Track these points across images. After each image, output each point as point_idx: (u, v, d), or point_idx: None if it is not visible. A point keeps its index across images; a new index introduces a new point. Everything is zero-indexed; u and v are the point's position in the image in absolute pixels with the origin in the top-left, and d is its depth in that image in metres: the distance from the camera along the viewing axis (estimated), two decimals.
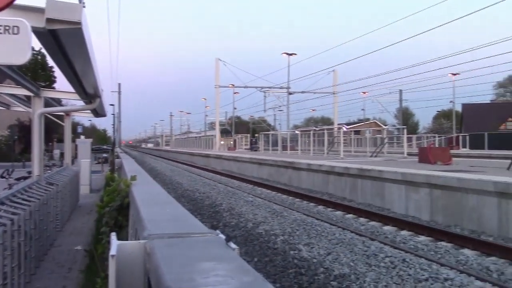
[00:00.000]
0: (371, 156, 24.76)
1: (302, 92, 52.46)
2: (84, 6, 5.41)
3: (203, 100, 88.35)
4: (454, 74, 51.60)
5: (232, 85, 55.52)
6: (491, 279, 6.98)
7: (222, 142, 58.63)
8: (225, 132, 72.68)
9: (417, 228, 10.98)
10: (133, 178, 5.63)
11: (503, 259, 8.34)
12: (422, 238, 10.22)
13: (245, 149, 54.27)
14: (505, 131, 50.06)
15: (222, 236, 1.94)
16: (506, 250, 8.59)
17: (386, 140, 26.41)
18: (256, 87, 51.91)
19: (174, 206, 3.42)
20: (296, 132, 40.75)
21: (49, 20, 5.16)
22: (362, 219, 12.61)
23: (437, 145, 36.81)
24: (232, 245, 1.81)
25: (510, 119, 60.05)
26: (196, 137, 78.89)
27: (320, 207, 14.86)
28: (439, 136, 47.24)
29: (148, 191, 4.91)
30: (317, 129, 39.97)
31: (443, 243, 9.65)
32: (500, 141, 40.80)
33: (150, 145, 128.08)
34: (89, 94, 11.04)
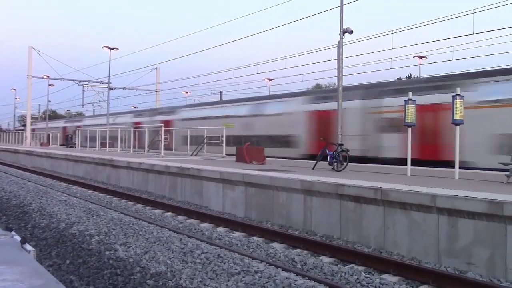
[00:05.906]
0: (191, 155, 25.13)
1: (124, 88, 51.08)
2: None
3: (12, 91, 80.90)
4: (270, 80, 55.07)
5: (47, 76, 51.61)
6: (295, 270, 7.59)
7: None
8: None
9: (233, 224, 11.48)
10: None
11: (306, 250, 9.17)
12: (236, 234, 10.70)
13: (60, 145, 50.97)
14: None
15: (18, 238, 1.77)
16: (309, 242, 9.45)
17: (206, 140, 27.01)
18: (74, 80, 48.96)
19: None
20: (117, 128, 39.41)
21: None
22: (180, 217, 12.74)
23: None
24: (28, 247, 1.66)
25: None
26: (2, 130, 72.21)
27: (139, 206, 14.63)
28: None
29: None
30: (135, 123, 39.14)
31: (255, 237, 10.23)
32: None
33: None
34: None
